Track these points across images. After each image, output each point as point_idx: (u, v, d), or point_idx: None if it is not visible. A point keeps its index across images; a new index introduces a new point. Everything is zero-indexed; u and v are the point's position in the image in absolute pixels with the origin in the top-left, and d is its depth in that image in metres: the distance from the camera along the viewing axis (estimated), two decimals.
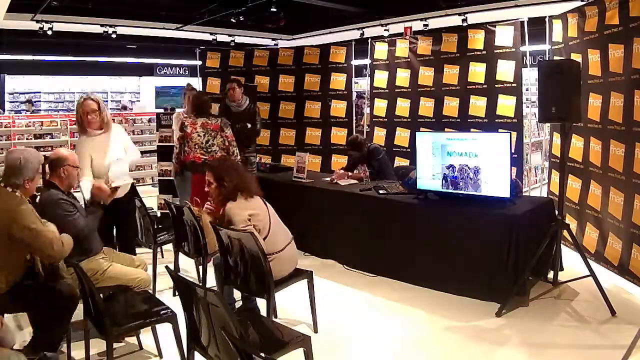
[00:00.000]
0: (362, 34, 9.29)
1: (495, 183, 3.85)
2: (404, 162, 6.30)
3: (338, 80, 7.13)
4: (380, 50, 6.73)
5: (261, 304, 3.29)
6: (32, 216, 2.67)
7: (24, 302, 2.75)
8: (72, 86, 13.81)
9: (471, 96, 5.80)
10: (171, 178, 6.46)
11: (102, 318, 2.57)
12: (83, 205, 3.36)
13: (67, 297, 2.74)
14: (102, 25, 8.95)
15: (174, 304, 2.77)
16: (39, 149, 8.26)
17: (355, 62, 7.22)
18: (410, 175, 4.53)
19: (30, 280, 2.74)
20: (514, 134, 5.24)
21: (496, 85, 5.60)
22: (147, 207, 5.53)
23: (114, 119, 9.48)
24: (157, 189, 6.81)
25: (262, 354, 1.66)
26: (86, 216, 3.10)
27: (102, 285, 2.98)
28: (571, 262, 4.28)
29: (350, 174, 5.14)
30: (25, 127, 8.57)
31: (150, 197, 6.65)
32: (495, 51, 5.59)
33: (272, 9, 8.17)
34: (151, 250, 4.16)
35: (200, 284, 3.13)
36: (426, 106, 6.22)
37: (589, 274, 3.59)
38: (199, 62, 7.70)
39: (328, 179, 5.15)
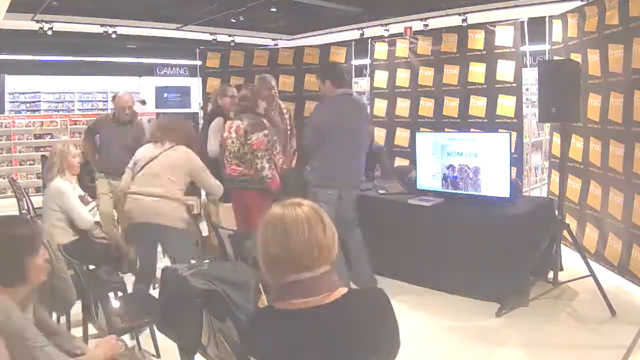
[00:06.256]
0: (362, 34, 9.26)
1: (495, 183, 3.85)
2: (404, 162, 6.29)
3: None
4: (380, 50, 6.72)
5: None
6: None
7: None
8: (72, 86, 13.80)
9: (471, 96, 5.79)
10: None
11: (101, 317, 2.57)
12: None
13: None
14: (102, 25, 8.93)
15: None
16: (39, 149, 8.29)
17: (355, 62, 7.21)
18: (410, 175, 4.52)
19: None
20: (514, 134, 5.23)
21: (496, 85, 5.59)
22: None
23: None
24: None
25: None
26: None
27: None
28: (571, 262, 4.28)
29: None
30: (25, 127, 8.56)
31: None
32: (495, 51, 5.58)
33: (272, 9, 8.17)
34: None
35: None
36: (426, 106, 6.21)
37: (589, 274, 3.59)
38: (199, 62, 7.70)
39: None
